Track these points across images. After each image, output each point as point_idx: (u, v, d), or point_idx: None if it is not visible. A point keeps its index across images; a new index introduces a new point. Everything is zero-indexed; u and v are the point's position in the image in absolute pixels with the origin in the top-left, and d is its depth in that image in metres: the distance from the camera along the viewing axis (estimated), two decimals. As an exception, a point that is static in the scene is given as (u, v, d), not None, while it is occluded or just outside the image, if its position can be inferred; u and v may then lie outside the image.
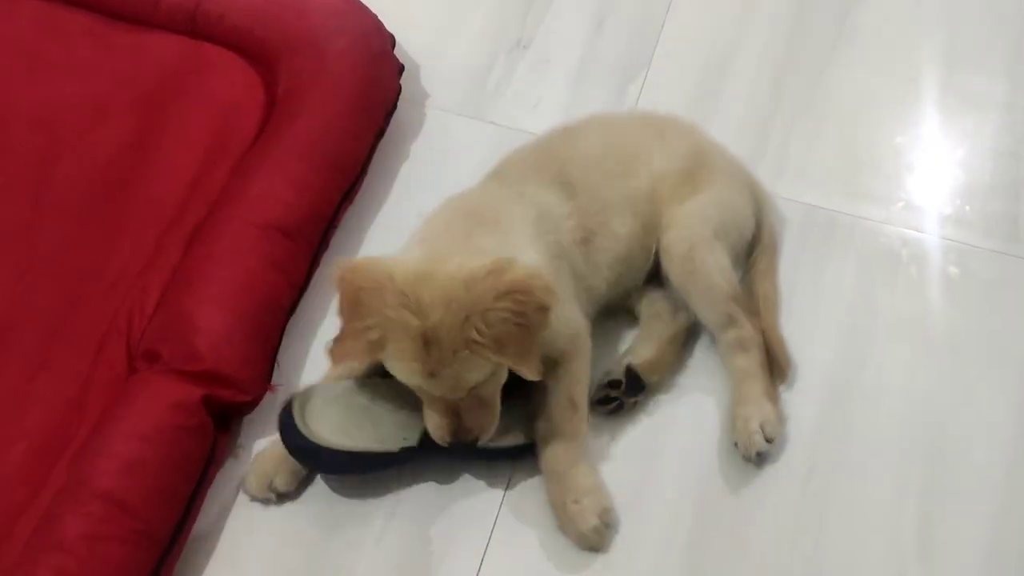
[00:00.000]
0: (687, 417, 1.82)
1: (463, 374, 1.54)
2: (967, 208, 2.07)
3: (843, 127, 2.19)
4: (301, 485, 1.74)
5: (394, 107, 2.12)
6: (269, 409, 1.77)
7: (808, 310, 1.93)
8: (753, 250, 1.96)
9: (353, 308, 1.54)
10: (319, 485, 1.75)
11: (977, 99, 2.22)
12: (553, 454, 1.68)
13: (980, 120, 2.19)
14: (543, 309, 1.54)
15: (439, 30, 2.34)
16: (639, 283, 1.89)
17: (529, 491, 1.73)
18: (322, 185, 1.94)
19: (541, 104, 2.23)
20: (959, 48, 2.28)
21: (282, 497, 1.73)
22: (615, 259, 1.83)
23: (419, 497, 1.74)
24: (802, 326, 1.90)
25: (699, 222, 1.84)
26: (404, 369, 1.55)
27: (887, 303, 1.95)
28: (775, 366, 1.84)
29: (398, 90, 2.13)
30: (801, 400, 1.83)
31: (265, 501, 1.72)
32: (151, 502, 1.60)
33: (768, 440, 1.74)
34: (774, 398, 1.79)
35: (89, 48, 2.14)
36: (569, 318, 1.71)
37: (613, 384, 1.79)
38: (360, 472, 1.73)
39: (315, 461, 1.70)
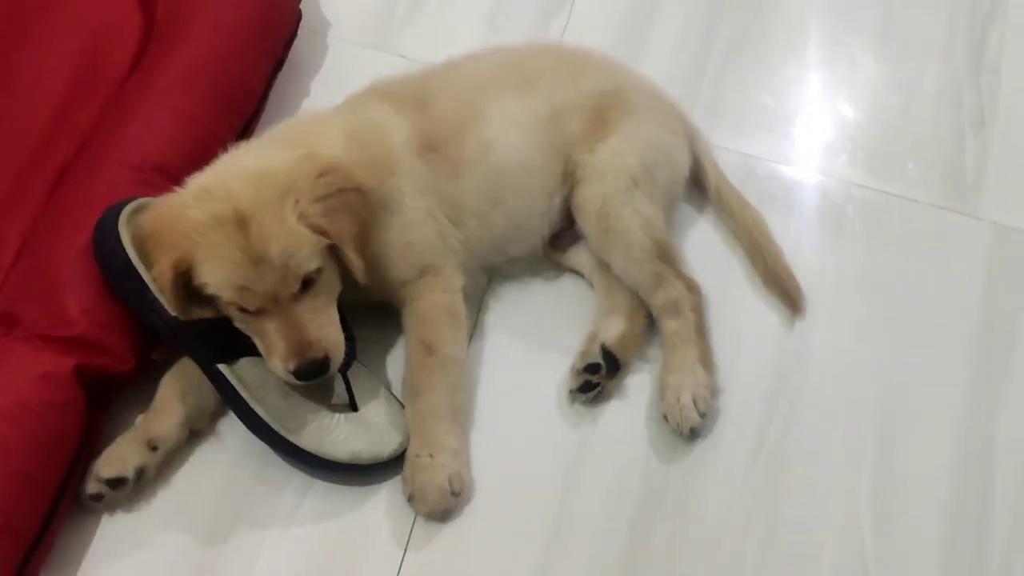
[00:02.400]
0: (628, 387, 1.67)
1: (293, 252, 1.39)
2: (910, 165, 1.95)
3: (780, 71, 2.05)
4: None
5: (293, 34, 1.89)
6: (151, 384, 1.55)
7: (750, 271, 1.78)
8: (705, 186, 1.80)
9: (149, 254, 1.43)
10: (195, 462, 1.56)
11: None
12: (414, 408, 1.54)
13: (920, 67, 2.08)
14: (361, 191, 1.47)
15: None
16: (541, 232, 1.71)
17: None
18: (210, 120, 1.70)
19: (456, 36, 2.03)
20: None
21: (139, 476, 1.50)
22: (489, 183, 1.64)
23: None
24: (743, 289, 1.76)
25: (613, 172, 1.66)
26: (225, 267, 1.39)
27: (833, 261, 1.82)
28: (787, 299, 1.72)
29: (298, 16, 1.91)
30: (748, 368, 1.68)
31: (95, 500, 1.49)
32: (12, 491, 1.36)
33: (701, 415, 1.58)
34: (709, 365, 1.62)
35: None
36: (416, 245, 1.58)
37: (592, 368, 1.61)
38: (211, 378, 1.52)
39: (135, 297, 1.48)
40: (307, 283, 1.42)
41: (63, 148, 1.67)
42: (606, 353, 1.61)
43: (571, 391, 1.62)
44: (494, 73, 1.71)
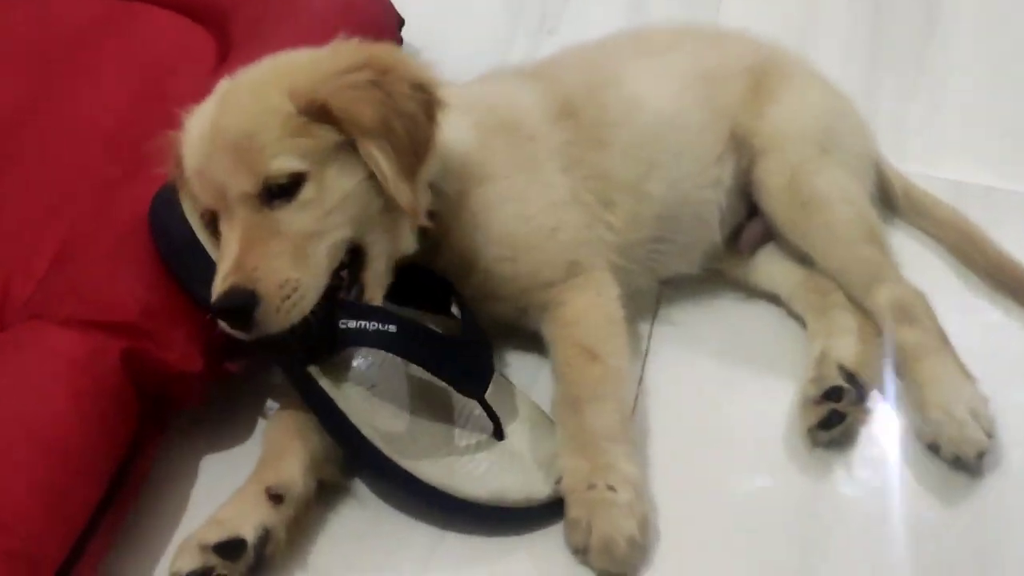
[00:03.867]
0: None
1: (252, 132, 1.05)
2: None
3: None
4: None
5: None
6: (223, 414, 1.19)
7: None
8: (887, 191, 1.45)
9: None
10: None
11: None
12: (579, 423, 1.14)
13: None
14: (420, 86, 1.12)
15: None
16: (714, 209, 1.36)
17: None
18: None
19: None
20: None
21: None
22: (639, 145, 1.32)
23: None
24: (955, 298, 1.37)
25: (794, 137, 1.36)
26: (190, 143, 1.10)
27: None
28: (1018, 291, 1.34)
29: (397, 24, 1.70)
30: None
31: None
32: (31, 510, 0.96)
33: (988, 435, 1.16)
34: (971, 379, 1.20)
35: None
36: (563, 232, 1.25)
37: (833, 394, 1.19)
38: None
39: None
40: (282, 191, 1.06)
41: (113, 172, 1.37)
42: (848, 375, 1.20)
43: (810, 428, 1.20)
44: (625, 44, 1.46)
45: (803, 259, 1.35)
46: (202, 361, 1.13)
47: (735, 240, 1.40)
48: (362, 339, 1.09)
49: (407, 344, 1.10)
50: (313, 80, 1.07)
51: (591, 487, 1.08)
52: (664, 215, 1.32)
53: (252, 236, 1.04)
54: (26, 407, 1.01)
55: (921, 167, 1.52)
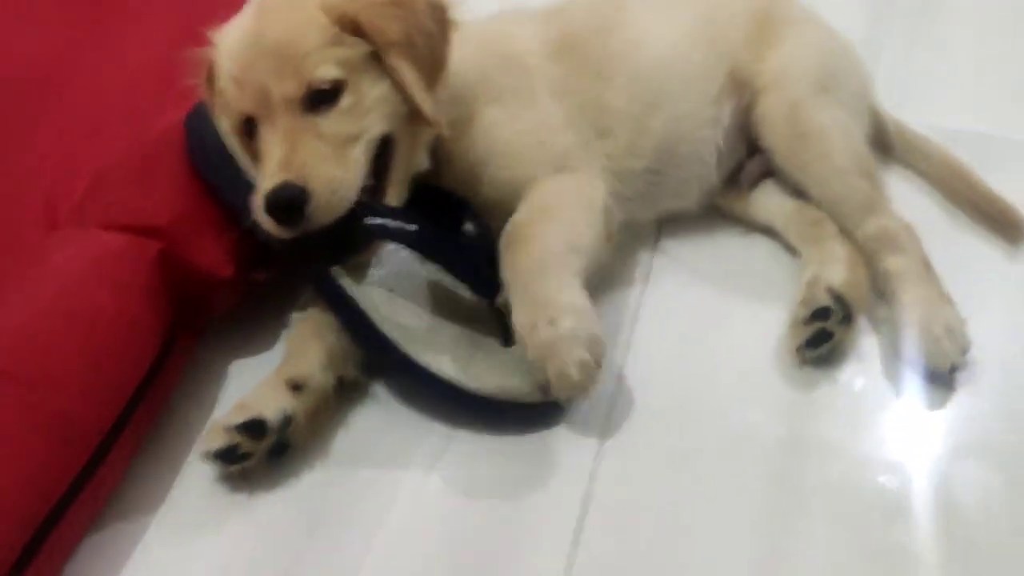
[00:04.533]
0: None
1: (296, 39, 1.14)
2: None
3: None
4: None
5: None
6: (254, 323, 1.27)
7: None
8: (881, 131, 1.51)
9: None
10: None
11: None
12: (512, 264, 1.19)
13: None
14: (437, 6, 1.21)
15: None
16: (711, 147, 1.42)
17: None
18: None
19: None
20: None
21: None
22: (640, 82, 1.38)
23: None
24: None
25: (794, 75, 1.41)
26: (228, 51, 1.18)
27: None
28: (1004, 224, 1.40)
29: None
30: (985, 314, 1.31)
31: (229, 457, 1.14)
32: (76, 377, 1.06)
33: (962, 351, 1.23)
34: (951, 303, 1.28)
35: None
36: (552, 146, 1.30)
37: (821, 314, 1.26)
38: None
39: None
40: (324, 97, 1.14)
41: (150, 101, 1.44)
42: (836, 296, 1.27)
43: (798, 347, 1.26)
44: None
45: (799, 194, 1.40)
46: (232, 268, 1.22)
47: (735, 177, 1.46)
48: (385, 234, 1.18)
49: (426, 242, 1.19)
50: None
51: (534, 327, 1.13)
52: (661, 148, 1.38)
53: (296, 138, 1.12)
54: (72, 293, 1.11)
55: (918, 116, 1.56)
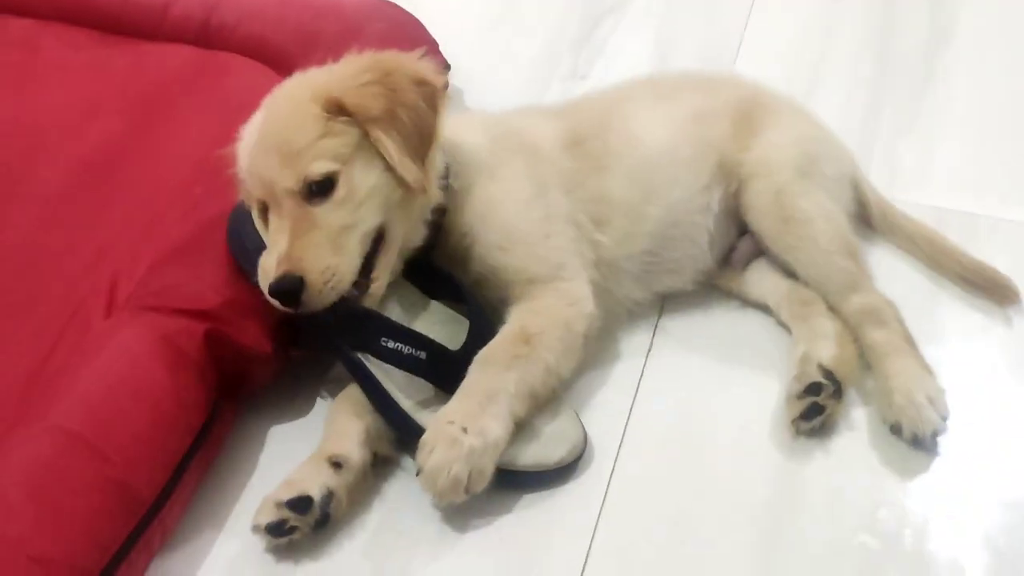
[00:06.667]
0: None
1: (292, 137, 1.28)
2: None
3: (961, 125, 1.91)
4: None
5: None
6: (291, 394, 1.41)
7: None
8: (865, 208, 1.63)
9: None
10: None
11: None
12: (474, 375, 1.30)
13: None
14: (422, 82, 1.33)
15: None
16: (703, 232, 1.54)
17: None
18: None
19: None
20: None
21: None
22: (637, 173, 1.50)
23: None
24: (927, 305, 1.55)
25: (777, 163, 1.53)
26: (243, 149, 1.34)
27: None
28: (994, 289, 1.52)
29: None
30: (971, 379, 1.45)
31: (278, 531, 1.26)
32: (131, 448, 1.21)
33: (942, 417, 1.35)
34: (932, 373, 1.39)
35: (83, 61, 1.90)
36: (555, 240, 1.41)
37: (812, 389, 1.37)
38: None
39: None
40: (320, 189, 1.27)
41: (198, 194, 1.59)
42: (827, 372, 1.38)
43: (794, 420, 1.38)
44: (633, 89, 1.66)
45: (789, 273, 1.52)
46: (270, 345, 1.35)
47: (729, 257, 1.58)
48: (396, 359, 1.31)
49: (433, 371, 1.31)
50: (331, 83, 1.30)
51: (450, 423, 1.24)
52: (656, 232, 1.50)
53: (297, 227, 1.25)
54: (129, 372, 1.25)
55: (906, 194, 1.69)
